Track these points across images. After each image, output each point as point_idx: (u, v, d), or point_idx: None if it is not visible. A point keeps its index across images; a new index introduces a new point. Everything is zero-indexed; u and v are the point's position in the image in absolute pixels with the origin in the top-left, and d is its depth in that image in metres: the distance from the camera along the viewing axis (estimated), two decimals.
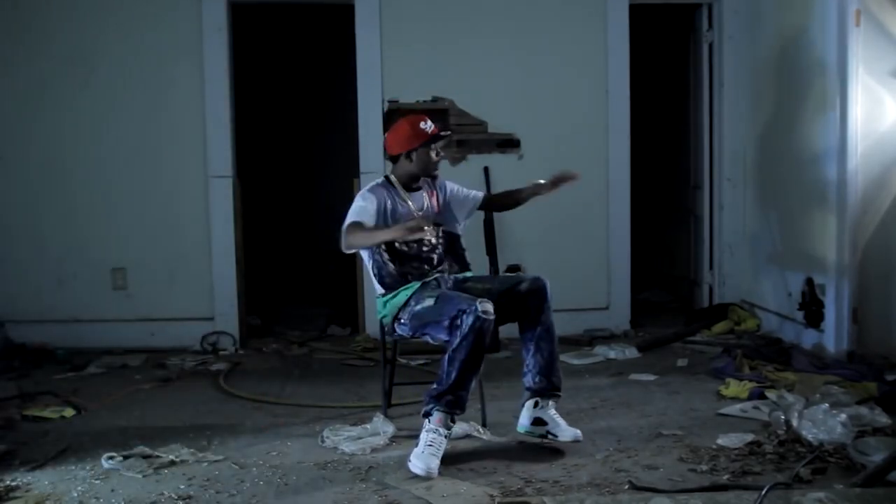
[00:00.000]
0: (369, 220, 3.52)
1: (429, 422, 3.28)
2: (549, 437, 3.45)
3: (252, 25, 6.42)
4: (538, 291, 3.54)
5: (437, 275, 3.66)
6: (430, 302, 3.45)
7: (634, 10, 5.69)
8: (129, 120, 5.44)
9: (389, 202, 3.65)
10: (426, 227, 3.27)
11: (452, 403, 3.28)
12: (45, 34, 5.36)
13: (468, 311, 3.25)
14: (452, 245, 3.85)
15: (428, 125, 3.68)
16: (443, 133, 3.72)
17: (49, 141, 5.42)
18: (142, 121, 5.45)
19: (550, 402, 3.51)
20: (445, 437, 3.26)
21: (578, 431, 3.45)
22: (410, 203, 3.70)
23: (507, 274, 3.87)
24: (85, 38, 5.40)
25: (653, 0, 6.00)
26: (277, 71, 7.65)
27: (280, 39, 7.56)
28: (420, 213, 3.64)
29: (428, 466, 3.14)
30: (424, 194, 3.77)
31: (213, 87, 5.43)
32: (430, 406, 3.30)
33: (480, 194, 3.95)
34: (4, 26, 5.35)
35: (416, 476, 3.13)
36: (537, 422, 3.48)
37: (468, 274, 3.81)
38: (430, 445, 3.21)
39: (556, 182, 3.77)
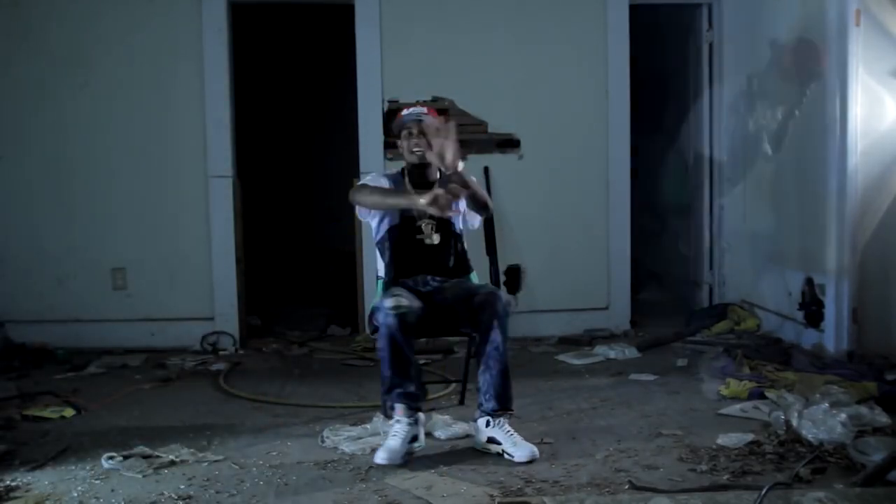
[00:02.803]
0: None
1: (394, 414, 3.39)
2: (506, 455, 3.31)
3: (252, 25, 6.41)
4: (488, 306, 3.36)
5: (418, 276, 3.58)
6: (375, 300, 3.50)
7: (634, 10, 5.69)
8: (128, 120, 5.44)
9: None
10: (449, 210, 3.22)
11: (402, 396, 3.36)
12: (45, 34, 5.36)
13: (380, 308, 3.29)
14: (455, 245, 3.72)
15: (408, 111, 3.60)
16: (406, 113, 3.58)
17: (49, 141, 5.42)
18: (142, 121, 5.45)
19: (502, 420, 3.39)
20: (409, 424, 3.35)
21: (535, 449, 3.31)
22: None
23: (475, 283, 3.65)
24: (85, 38, 5.39)
25: (653, 0, 6.00)
26: (277, 71, 7.65)
27: (280, 39, 7.55)
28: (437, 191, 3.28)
29: (387, 453, 3.25)
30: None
31: (213, 87, 5.43)
32: (388, 403, 3.40)
33: (477, 224, 3.74)
34: (5, 26, 5.35)
35: (416, 476, 3.13)
36: (491, 440, 3.38)
37: (454, 280, 3.64)
38: (395, 436, 3.32)
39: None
